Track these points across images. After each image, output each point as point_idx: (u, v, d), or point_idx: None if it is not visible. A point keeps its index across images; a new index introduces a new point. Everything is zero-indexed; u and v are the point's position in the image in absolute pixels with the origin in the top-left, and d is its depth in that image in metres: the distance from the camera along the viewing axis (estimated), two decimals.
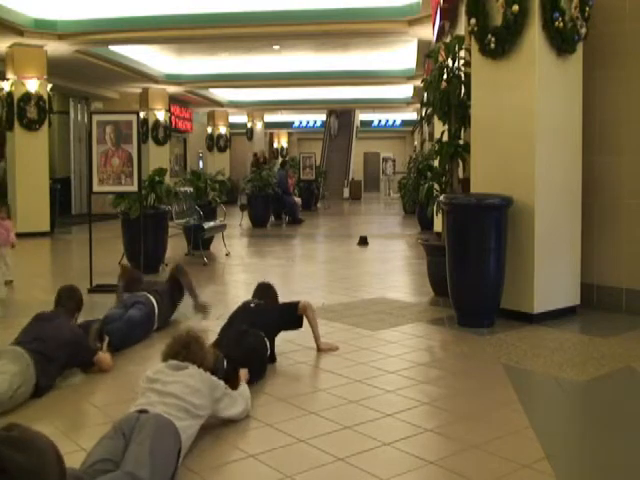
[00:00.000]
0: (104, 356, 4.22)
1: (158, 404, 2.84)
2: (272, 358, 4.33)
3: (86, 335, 4.26)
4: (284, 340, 4.87)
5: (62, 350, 3.90)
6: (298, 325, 4.59)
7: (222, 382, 3.23)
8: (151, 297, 5.16)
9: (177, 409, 2.86)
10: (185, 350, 3.18)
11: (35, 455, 1.75)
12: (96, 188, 7.10)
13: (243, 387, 3.48)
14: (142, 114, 16.35)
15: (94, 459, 2.49)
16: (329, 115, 29.35)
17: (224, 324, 4.39)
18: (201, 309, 5.44)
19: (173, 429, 2.75)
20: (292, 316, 4.54)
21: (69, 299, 4.42)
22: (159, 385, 2.96)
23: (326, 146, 28.53)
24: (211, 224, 9.85)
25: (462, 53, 6.42)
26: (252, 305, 4.52)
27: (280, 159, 26.45)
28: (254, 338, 4.09)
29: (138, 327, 4.88)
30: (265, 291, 4.81)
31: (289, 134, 34.87)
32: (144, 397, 2.94)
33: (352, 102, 24.13)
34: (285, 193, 15.82)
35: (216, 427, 3.27)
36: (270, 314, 4.45)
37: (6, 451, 1.70)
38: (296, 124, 32.77)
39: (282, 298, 5.06)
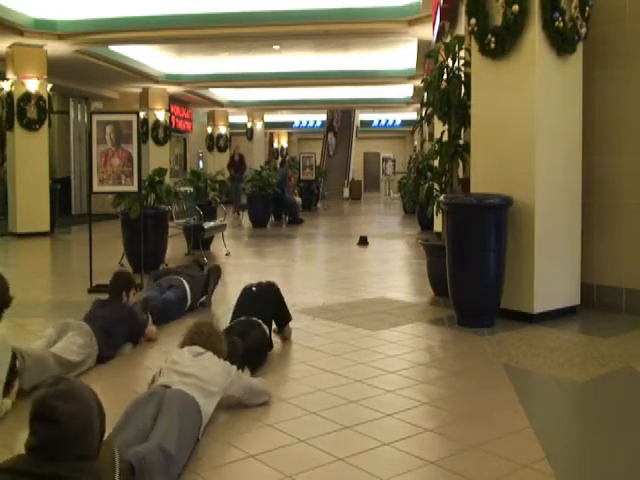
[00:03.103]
0: (151, 329, 4.97)
1: (178, 383, 3.10)
2: (269, 344, 4.52)
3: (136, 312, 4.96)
4: (284, 341, 4.88)
5: (120, 326, 4.59)
6: (278, 328, 4.88)
7: (234, 367, 3.48)
8: (184, 281, 5.86)
9: (195, 388, 3.11)
10: (206, 341, 3.49)
11: (81, 404, 1.95)
12: (96, 188, 7.10)
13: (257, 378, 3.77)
14: (142, 114, 16.34)
15: (126, 436, 2.69)
16: (327, 131, 29.08)
17: (232, 312, 4.68)
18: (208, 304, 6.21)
19: (196, 406, 3.02)
20: (280, 319, 4.86)
21: (114, 286, 4.99)
22: (180, 367, 3.24)
23: (325, 158, 28.28)
24: (211, 224, 9.86)
25: (462, 53, 6.42)
26: (253, 289, 4.80)
27: (280, 159, 26.42)
28: (256, 331, 4.31)
29: (173, 307, 5.59)
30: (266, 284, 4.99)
31: (289, 134, 34.85)
32: (165, 377, 3.20)
33: (352, 102, 24.11)
34: (285, 192, 15.80)
35: (216, 427, 3.27)
36: (268, 302, 4.72)
37: (57, 403, 1.90)
38: (296, 124, 32.74)
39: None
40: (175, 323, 5.43)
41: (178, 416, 2.85)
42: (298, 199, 16.79)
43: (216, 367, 3.34)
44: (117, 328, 4.56)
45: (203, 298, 6.15)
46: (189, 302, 5.87)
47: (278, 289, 4.89)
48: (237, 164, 18.85)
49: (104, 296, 5.17)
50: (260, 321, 4.44)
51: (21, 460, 1.91)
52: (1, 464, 1.94)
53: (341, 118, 29.32)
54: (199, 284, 6.08)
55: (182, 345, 3.51)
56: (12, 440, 3.17)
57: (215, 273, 6.38)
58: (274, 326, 4.82)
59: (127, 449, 2.50)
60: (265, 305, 4.65)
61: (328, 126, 29.02)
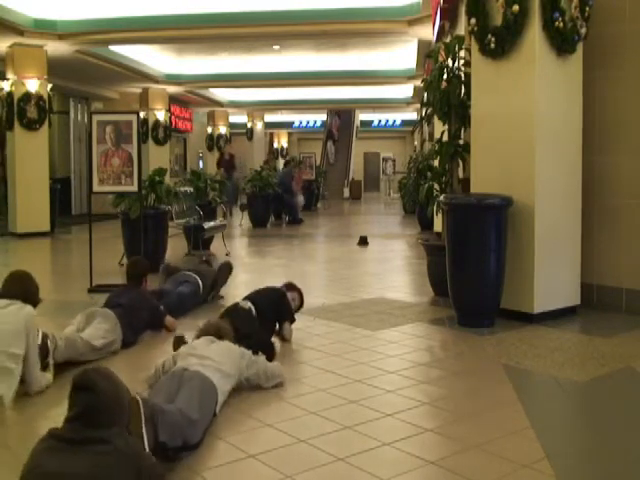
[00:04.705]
0: (170, 319, 5.24)
1: (196, 365, 3.41)
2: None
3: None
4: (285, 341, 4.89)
5: (140, 314, 4.91)
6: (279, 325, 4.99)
7: (249, 352, 3.80)
8: (197, 277, 6.17)
9: (213, 370, 3.41)
10: (220, 333, 3.86)
11: (113, 381, 2.31)
12: (96, 188, 7.10)
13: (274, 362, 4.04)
14: (142, 114, 16.33)
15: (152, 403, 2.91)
16: (327, 139, 28.88)
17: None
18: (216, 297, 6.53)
19: (212, 385, 3.32)
20: (282, 315, 4.96)
21: (134, 271, 5.31)
22: (197, 351, 3.59)
23: (324, 164, 28.14)
24: (211, 224, 9.85)
25: (462, 53, 6.42)
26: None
27: (281, 159, 26.38)
28: (241, 313, 4.56)
29: (187, 300, 5.88)
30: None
31: (289, 134, 34.83)
32: (184, 360, 3.51)
33: (352, 102, 24.10)
34: (286, 192, 15.76)
35: (216, 426, 3.28)
36: (268, 297, 4.92)
37: (95, 377, 2.25)
38: (296, 124, 32.72)
39: None
40: (190, 315, 5.73)
41: (197, 391, 3.18)
42: (301, 199, 16.74)
43: (232, 352, 3.68)
44: (138, 314, 4.90)
45: (211, 295, 6.44)
46: (200, 297, 6.17)
47: (284, 294, 5.07)
48: (226, 163, 18.48)
49: (105, 296, 5.24)
50: (250, 305, 4.67)
51: (63, 429, 2.22)
52: (50, 431, 2.23)
53: (340, 120, 29.13)
54: (208, 280, 6.34)
55: (197, 337, 3.88)
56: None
57: (225, 270, 6.67)
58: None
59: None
60: (264, 301, 4.81)
61: (327, 134, 28.89)
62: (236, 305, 4.75)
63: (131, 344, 4.78)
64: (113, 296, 5.06)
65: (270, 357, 4.21)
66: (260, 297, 4.87)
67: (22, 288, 3.88)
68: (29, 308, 3.80)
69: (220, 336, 3.83)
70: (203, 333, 3.89)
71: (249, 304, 4.70)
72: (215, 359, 3.51)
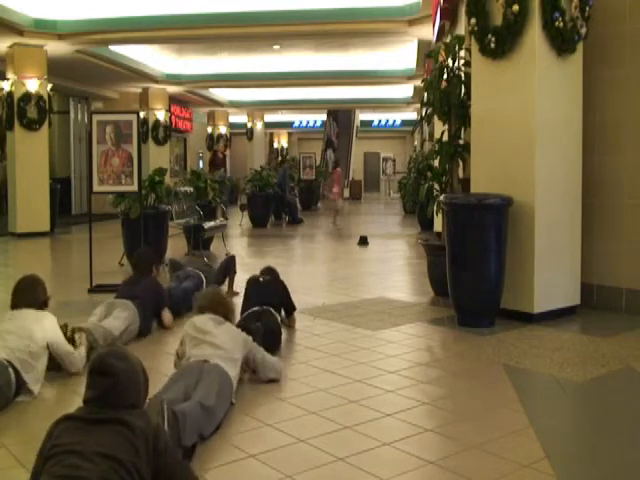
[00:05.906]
0: (168, 315, 5.34)
1: (213, 356, 3.56)
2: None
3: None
4: (285, 340, 4.88)
5: (152, 302, 5.13)
6: (286, 315, 5.32)
7: (250, 338, 3.96)
8: (200, 273, 6.38)
9: (227, 360, 3.57)
10: (225, 312, 3.96)
11: (130, 363, 2.33)
12: (96, 188, 7.11)
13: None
14: (142, 114, 16.33)
15: (170, 396, 3.08)
16: (326, 146, 28.70)
17: (243, 300, 5.12)
18: (231, 294, 6.55)
19: (229, 378, 3.49)
20: (288, 307, 5.31)
21: (144, 261, 5.52)
22: (210, 337, 3.70)
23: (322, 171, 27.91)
24: (211, 224, 9.85)
25: (462, 53, 6.42)
26: (261, 280, 5.24)
27: (280, 159, 26.34)
28: (271, 317, 4.76)
29: (191, 295, 5.94)
30: (270, 271, 5.53)
31: (289, 134, 34.82)
32: (200, 349, 3.64)
33: (352, 102, 24.10)
34: (284, 192, 15.74)
35: (216, 427, 3.28)
36: (276, 291, 5.19)
37: (112, 361, 2.27)
38: (296, 124, 32.70)
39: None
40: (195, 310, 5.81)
41: (216, 384, 3.31)
42: (339, 203, 16.17)
43: (237, 336, 3.84)
44: (152, 302, 5.13)
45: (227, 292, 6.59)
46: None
47: (283, 282, 5.37)
48: (222, 162, 18.41)
49: (105, 296, 5.27)
50: (272, 309, 4.87)
51: (83, 410, 2.26)
52: (66, 414, 2.26)
53: (338, 125, 28.94)
54: (212, 274, 6.54)
55: (202, 310, 3.95)
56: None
57: (232, 260, 6.77)
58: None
59: (172, 405, 2.93)
60: (274, 296, 5.09)
61: (327, 142, 28.76)
62: (264, 308, 4.90)
63: (146, 332, 5.00)
64: (126, 287, 5.23)
65: (277, 345, 4.62)
66: (268, 295, 5.09)
67: (33, 298, 4.13)
68: (44, 315, 4.08)
69: (225, 315, 3.93)
70: (205, 309, 3.95)
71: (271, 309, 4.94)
72: (227, 348, 3.66)
